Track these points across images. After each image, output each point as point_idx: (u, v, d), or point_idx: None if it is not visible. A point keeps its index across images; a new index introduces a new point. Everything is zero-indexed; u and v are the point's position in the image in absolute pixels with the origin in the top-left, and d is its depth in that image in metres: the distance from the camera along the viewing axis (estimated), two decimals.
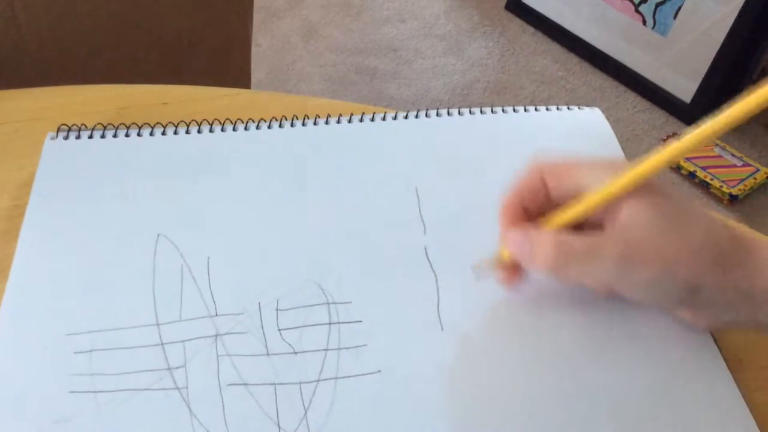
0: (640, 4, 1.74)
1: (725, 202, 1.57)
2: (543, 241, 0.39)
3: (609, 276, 0.37)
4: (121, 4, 0.79)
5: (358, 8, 2.03)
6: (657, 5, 1.71)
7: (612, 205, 0.38)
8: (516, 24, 2.02)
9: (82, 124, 0.51)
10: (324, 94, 1.75)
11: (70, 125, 0.51)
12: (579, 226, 0.40)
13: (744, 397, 0.40)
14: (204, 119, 0.52)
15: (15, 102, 0.55)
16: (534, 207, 0.42)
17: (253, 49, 1.00)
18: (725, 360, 0.42)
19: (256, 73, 1.78)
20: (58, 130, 0.51)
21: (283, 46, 1.89)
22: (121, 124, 0.52)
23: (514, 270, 0.42)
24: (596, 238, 0.38)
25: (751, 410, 0.40)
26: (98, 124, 0.52)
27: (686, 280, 0.36)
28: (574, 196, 0.39)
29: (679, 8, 1.67)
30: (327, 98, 0.58)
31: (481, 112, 0.54)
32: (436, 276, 0.44)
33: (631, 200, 0.37)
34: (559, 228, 0.40)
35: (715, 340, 0.42)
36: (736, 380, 0.41)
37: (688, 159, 1.63)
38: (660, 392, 0.40)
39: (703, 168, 1.61)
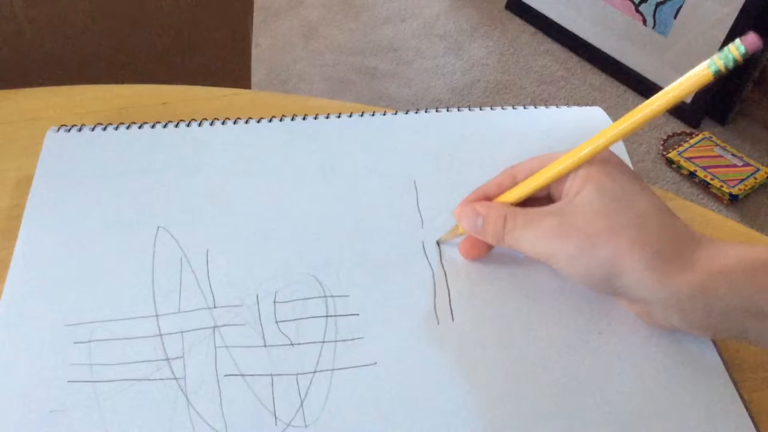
0: (640, 3, 1.75)
1: (725, 201, 1.58)
2: (491, 214, 0.41)
3: (541, 247, 0.39)
4: (121, 4, 0.79)
5: (358, 8, 2.03)
6: (657, 5, 1.71)
7: (568, 181, 0.40)
8: (516, 24, 2.02)
9: (82, 124, 0.52)
10: (324, 94, 1.76)
11: (70, 125, 0.51)
12: (543, 201, 0.42)
13: (743, 397, 0.40)
14: (204, 118, 0.53)
15: (15, 102, 0.56)
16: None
17: (253, 49, 1.00)
18: (725, 360, 0.42)
19: (256, 73, 1.78)
20: (59, 128, 0.51)
21: (283, 46, 1.90)
22: (121, 123, 0.52)
23: (472, 242, 0.44)
24: (537, 212, 0.40)
25: (751, 410, 0.40)
26: (98, 123, 0.52)
27: (605, 256, 0.37)
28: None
29: (680, 8, 1.67)
30: (327, 98, 0.58)
31: (481, 110, 0.55)
32: (433, 270, 0.44)
33: (578, 179, 0.39)
34: (514, 202, 0.42)
35: (715, 342, 0.42)
36: (736, 380, 0.41)
37: (688, 159, 1.63)
38: (657, 392, 0.40)
39: (704, 168, 1.62)
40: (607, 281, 0.38)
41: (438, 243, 0.46)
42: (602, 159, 0.40)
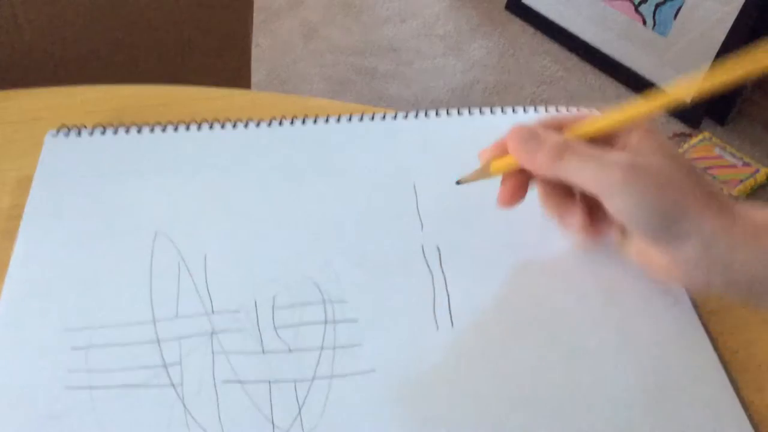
0: (640, 4, 1.74)
1: None
2: (551, 138, 0.40)
3: (608, 178, 0.38)
4: (121, 4, 0.79)
5: (358, 8, 2.03)
6: (657, 5, 1.71)
7: (624, 135, 0.40)
8: (516, 24, 2.02)
9: (81, 125, 0.52)
10: (324, 94, 1.76)
11: (69, 125, 0.51)
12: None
13: (744, 397, 0.40)
14: (204, 119, 0.53)
15: (15, 102, 0.56)
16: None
17: (253, 49, 1.00)
18: (724, 361, 0.42)
19: (256, 73, 1.78)
20: (59, 129, 0.51)
21: (283, 46, 1.90)
22: (120, 124, 0.52)
23: (514, 184, 0.43)
24: (602, 149, 0.39)
25: (751, 411, 0.40)
26: (98, 124, 0.52)
27: (675, 201, 0.37)
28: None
29: (679, 8, 1.67)
30: (327, 98, 0.58)
31: (481, 112, 0.55)
32: (432, 275, 0.44)
33: (636, 135, 0.39)
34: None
35: (714, 341, 0.42)
36: (736, 381, 0.41)
37: None
38: (656, 395, 0.40)
39: (704, 168, 1.62)
40: (668, 224, 0.38)
41: (458, 183, 0.45)
42: (657, 129, 0.40)
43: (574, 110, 0.42)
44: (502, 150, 0.43)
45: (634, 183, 0.37)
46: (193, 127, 0.52)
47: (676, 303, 0.44)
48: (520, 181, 0.43)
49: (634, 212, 0.38)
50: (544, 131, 0.40)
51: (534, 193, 0.48)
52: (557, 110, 0.55)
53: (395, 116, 0.54)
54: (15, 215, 0.46)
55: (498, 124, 0.54)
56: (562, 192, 0.42)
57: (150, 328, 0.41)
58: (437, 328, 0.42)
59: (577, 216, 0.42)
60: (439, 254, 0.45)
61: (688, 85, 0.37)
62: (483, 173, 0.44)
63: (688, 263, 0.39)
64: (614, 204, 0.38)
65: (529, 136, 0.40)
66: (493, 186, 0.50)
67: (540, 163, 0.40)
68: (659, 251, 0.40)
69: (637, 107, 0.39)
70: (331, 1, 2.04)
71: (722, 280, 0.38)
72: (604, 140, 0.41)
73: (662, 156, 0.38)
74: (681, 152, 0.40)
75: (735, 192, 1.55)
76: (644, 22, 1.75)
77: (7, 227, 0.46)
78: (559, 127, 0.42)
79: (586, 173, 0.38)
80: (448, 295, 0.43)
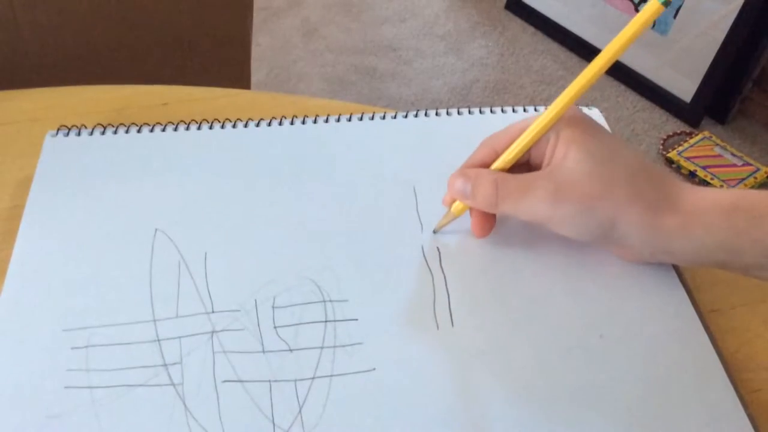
0: (639, 3, 1.74)
1: None
2: (482, 180, 0.43)
3: (540, 211, 0.41)
4: (121, 4, 0.79)
5: (358, 8, 2.03)
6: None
7: (549, 146, 0.42)
8: (516, 23, 2.02)
9: (81, 125, 0.52)
10: (324, 94, 1.76)
11: (69, 126, 0.51)
12: (522, 167, 0.45)
13: (744, 397, 0.40)
14: (204, 119, 0.53)
15: (15, 102, 0.56)
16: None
17: (253, 49, 1.00)
18: (724, 361, 0.42)
19: (256, 73, 1.78)
20: (58, 129, 0.51)
21: (283, 46, 1.90)
22: (120, 124, 0.52)
23: (479, 216, 0.45)
24: (530, 178, 0.42)
25: (752, 411, 0.40)
26: (98, 124, 0.52)
27: (605, 215, 0.40)
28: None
29: (679, 8, 1.67)
30: (327, 98, 0.58)
31: (480, 112, 0.55)
32: (432, 275, 0.44)
33: (561, 143, 0.42)
34: (501, 169, 0.44)
35: (714, 341, 0.42)
36: (736, 380, 0.41)
37: (688, 159, 1.63)
38: (657, 395, 0.40)
39: (704, 167, 1.61)
40: (605, 235, 0.41)
41: (435, 232, 0.47)
42: (579, 120, 0.42)
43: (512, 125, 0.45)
44: None
45: (559, 209, 0.41)
46: (193, 126, 0.52)
47: (676, 303, 0.44)
48: (483, 214, 0.45)
49: (570, 231, 0.42)
50: (475, 171, 0.44)
51: None
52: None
53: (395, 116, 0.54)
54: (15, 215, 0.46)
55: (498, 124, 0.54)
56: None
57: (150, 327, 0.41)
58: (437, 327, 0.42)
59: None
60: (439, 254, 0.45)
61: (580, 81, 0.41)
62: (450, 216, 0.46)
63: (636, 254, 0.44)
64: (553, 229, 0.42)
65: (464, 183, 0.44)
66: None
67: (483, 207, 0.44)
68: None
69: (543, 118, 0.42)
70: (331, 0, 2.04)
71: (671, 260, 0.44)
72: (534, 157, 0.44)
73: (579, 162, 0.41)
74: (609, 144, 0.42)
75: None
76: None
77: (7, 227, 0.46)
78: (492, 149, 0.45)
79: (522, 211, 0.42)
80: (449, 295, 0.43)
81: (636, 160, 0.42)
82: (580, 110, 0.44)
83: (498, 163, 0.44)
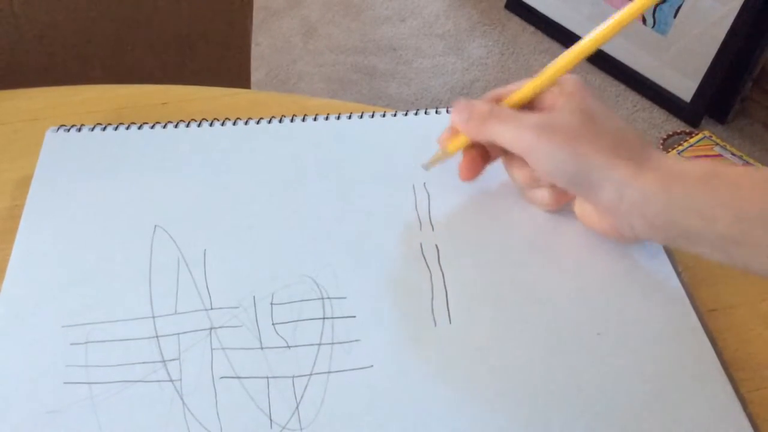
0: None
1: None
2: (478, 106, 0.44)
3: (524, 139, 0.42)
4: (121, 3, 0.79)
5: (358, 8, 2.03)
6: (656, 4, 1.71)
7: (546, 96, 0.44)
8: (516, 23, 2.02)
9: (81, 124, 0.52)
10: (324, 94, 1.76)
11: (69, 125, 0.52)
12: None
13: (744, 396, 0.40)
14: (203, 118, 0.53)
15: (15, 102, 0.56)
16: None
17: (253, 49, 1.00)
18: (724, 360, 0.42)
19: (256, 73, 1.78)
20: (59, 127, 0.51)
21: (283, 46, 1.90)
22: (120, 123, 0.52)
23: (470, 157, 0.47)
24: (522, 111, 0.44)
25: (751, 410, 0.40)
26: (98, 123, 0.52)
27: (585, 155, 0.41)
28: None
29: (679, 7, 1.67)
30: (326, 98, 0.58)
31: None
32: (430, 272, 0.45)
33: (560, 95, 0.43)
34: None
35: (714, 340, 0.42)
36: (736, 380, 0.41)
37: (688, 158, 1.63)
38: (655, 393, 0.40)
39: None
40: (581, 177, 0.41)
41: (424, 167, 0.49)
42: (576, 81, 0.44)
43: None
44: (455, 131, 0.47)
45: (544, 141, 0.41)
46: (193, 124, 0.52)
47: (676, 302, 0.44)
48: (475, 155, 0.47)
49: (548, 167, 0.42)
50: (479, 102, 0.45)
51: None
52: None
53: (395, 115, 0.54)
54: (15, 215, 0.46)
55: None
56: (521, 163, 0.46)
57: (149, 323, 0.41)
58: (435, 324, 0.42)
59: (539, 190, 0.47)
60: (438, 251, 0.46)
61: (585, 42, 0.43)
62: (443, 154, 0.48)
63: (608, 211, 0.43)
64: (531, 161, 0.43)
65: (464, 107, 0.45)
66: (492, 185, 0.50)
67: (470, 129, 0.45)
68: (584, 201, 0.45)
69: (555, 68, 0.44)
70: (330, 0, 2.04)
71: (643, 225, 0.41)
72: (536, 105, 0.45)
73: (574, 112, 0.42)
74: (603, 106, 0.44)
75: None
76: (644, 21, 1.75)
77: (6, 227, 0.46)
78: (499, 98, 0.46)
79: (507, 135, 0.43)
80: (447, 292, 0.44)
81: (624, 124, 0.43)
82: (582, 80, 0.45)
83: (504, 102, 0.46)
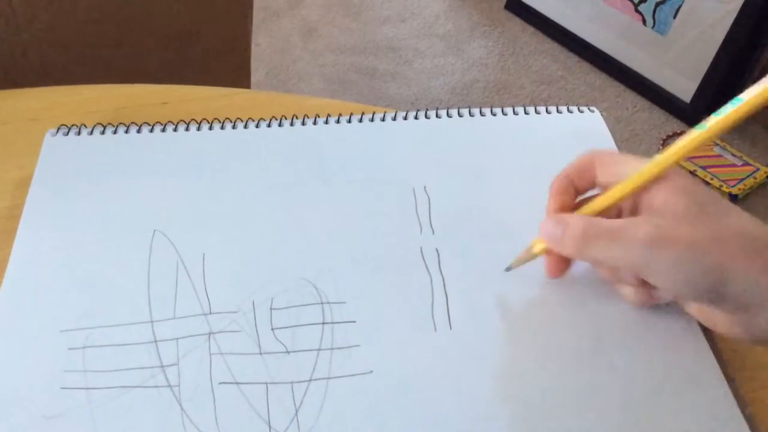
0: (639, 3, 1.74)
1: None
2: (573, 223, 0.39)
3: (634, 257, 0.37)
4: (121, 3, 0.79)
5: (358, 8, 2.03)
6: (657, 5, 1.71)
7: (648, 194, 0.38)
8: (516, 23, 2.02)
9: (81, 124, 0.52)
10: (324, 94, 1.76)
11: (69, 125, 0.51)
12: (617, 216, 0.41)
13: (744, 396, 0.40)
14: (204, 119, 0.53)
15: (15, 102, 0.56)
16: (582, 186, 0.43)
17: (253, 49, 1.00)
18: (724, 361, 0.42)
19: (256, 73, 1.78)
20: (58, 129, 0.51)
21: (283, 46, 1.90)
22: (120, 123, 0.52)
23: (556, 259, 0.43)
24: (626, 220, 0.38)
25: (751, 410, 0.40)
26: (98, 123, 0.52)
27: (712, 264, 0.35)
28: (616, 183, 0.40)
29: (679, 8, 1.67)
30: (327, 98, 0.58)
31: (481, 113, 0.55)
32: (431, 277, 0.44)
33: (665, 189, 0.38)
34: (595, 213, 0.41)
35: (712, 340, 0.42)
36: (735, 379, 0.41)
37: (688, 159, 1.63)
38: (652, 392, 0.40)
39: (703, 167, 1.61)
40: (713, 289, 0.36)
41: (508, 269, 0.44)
42: (681, 174, 0.38)
43: (588, 160, 0.42)
44: (557, 191, 0.43)
45: (664, 255, 0.36)
46: (193, 126, 0.52)
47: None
48: (560, 257, 0.43)
49: (673, 283, 0.37)
50: (573, 219, 0.40)
51: (529, 195, 0.48)
52: (558, 111, 0.55)
53: (395, 116, 0.54)
54: (14, 215, 0.46)
55: (498, 125, 0.54)
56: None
57: (147, 328, 0.41)
58: (435, 329, 0.42)
59: (627, 287, 0.43)
60: (438, 256, 0.45)
61: (695, 138, 0.37)
62: (529, 255, 0.43)
63: (746, 319, 0.37)
64: (650, 278, 0.38)
65: (554, 224, 0.40)
66: (491, 185, 0.50)
67: (569, 251, 0.40)
68: (717, 311, 0.39)
69: (650, 169, 0.38)
70: (330, 1, 2.04)
71: None
72: (633, 205, 0.40)
73: (687, 213, 0.37)
74: (718, 201, 0.38)
75: (735, 191, 1.55)
76: (644, 22, 1.75)
77: (6, 227, 0.46)
78: (586, 177, 0.42)
79: (614, 256, 0.38)
80: (447, 297, 0.43)
81: (745, 216, 0.37)
82: (687, 173, 0.40)
83: (591, 206, 0.41)
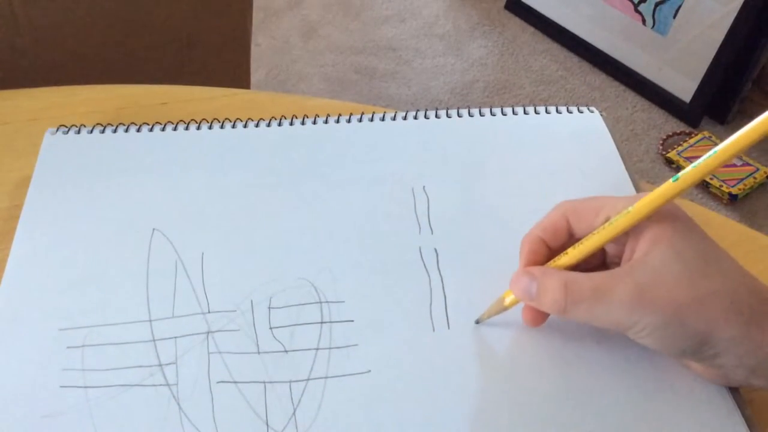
0: (639, 3, 1.74)
1: (725, 201, 1.58)
2: (549, 283, 0.38)
3: (618, 318, 0.36)
4: (121, 4, 0.79)
5: (358, 8, 2.03)
6: (656, 5, 1.71)
7: (633, 237, 0.37)
8: (515, 23, 2.02)
9: (81, 124, 0.52)
10: (324, 94, 1.76)
11: (69, 125, 0.52)
12: (597, 263, 0.40)
13: (743, 396, 0.40)
14: (203, 119, 0.53)
15: (14, 102, 0.56)
16: (556, 245, 0.41)
17: (253, 49, 1.00)
18: None
19: (256, 73, 1.78)
20: (58, 128, 0.51)
21: (282, 46, 1.90)
22: (120, 123, 0.52)
23: (533, 310, 0.41)
24: (605, 277, 0.37)
25: (751, 410, 0.39)
26: (98, 124, 0.52)
27: (696, 329, 0.35)
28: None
29: (679, 8, 1.67)
30: (327, 98, 0.58)
31: (480, 113, 0.55)
32: (429, 277, 0.44)
33: (645, 239, 0.36)
34: (569, 266, 0.39)
35: None
36: None
37: (688, 159, 1.63)
38: (650, 392, 0.40)
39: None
40: (694, 351, 0.36)
41: (477, 322, 0.42)
42: (669, 215, 0.37)
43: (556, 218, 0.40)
44: (528, 251, 0.41)
45: (646, 320, 0.35)
46: (193, 126, 0.52)
47: None
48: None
49: (656, 344, 0.37)
50: (542, 270, 0.39)
51: (529, 195, 0.48)
52: (558, 111, 0.55)
53: (394, 116, 0.54)
54: (14, 215, 0.46)
55: (497, 125, 0.54)
56: None
57: (146, 327, 0.41)
58: (433, 329, 0.42)
59: None
60: (437, 256, 0.45)
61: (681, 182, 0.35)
62: (500, 307, 0.42)
63: (727, 374, 0.38)
64: (634, 338, 0.37)
65: (528, 282, 0.39)
66: (490, 185, 0.50)
67: (549, 311, 0.39)
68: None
69: (634, 214, 0.36)
70: (330, 0, 2.04)
71: (764, 383, 0.37)
72: (612, 248, 0.39)
73: (673, 273, 0.35)
74: (703, 248, 0.36)
75: (734, 191, 1.56)
76: (644, 22, 1.75)
77: (5, 227, 0.46)
78: (561, 231, 0.40)
79: (597, 318, 0.37)
80: (445, 297, 0.43)
81: (732, 268, 0.36)
82: (676, 205, 0.38)
83: (565, 258, 0.39)
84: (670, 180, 0.35)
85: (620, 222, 0.37)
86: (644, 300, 0.35)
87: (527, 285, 0.38)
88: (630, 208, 0.36)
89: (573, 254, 0.39)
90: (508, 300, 0.41)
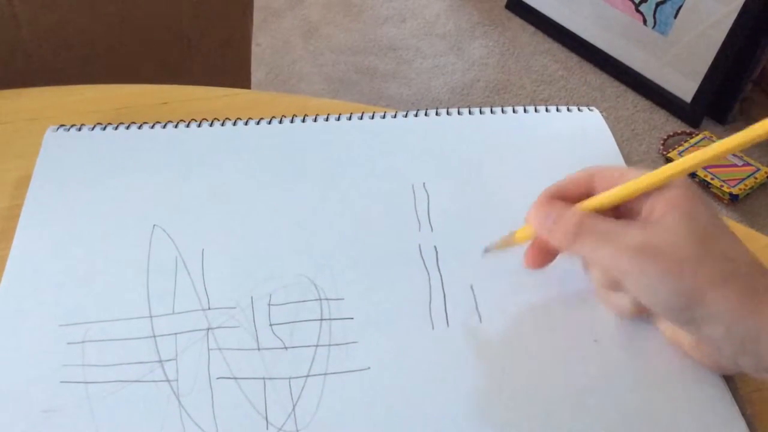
0: (640, 3, 1.74)
1: (725, 201, 1.57)
2: (567, 215, 0.39)
3: (620, 262, 0.37)
4: (121, 4, 0.79)
5: (358, 8, 2.03)
6: (657, 5, 1.71)
7: (649, 200, 0.38)
8: (516, 23, 2.02)
9: (81, 124, 0.52)
10: (324, 94, 1.76)
11: (69, 125, 0.52)
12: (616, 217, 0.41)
13: (744, 396, 0.40)
14: (203, 118, 0.53)
15: (14, 102, 0.56)
16: (576, 199, 0.41)
17: (253, 49, 1.00)
18: None
19: (256, 73, 1.78)
20: (59, 126, 0.51)
21: (283, 46, 1.90)
22: (120, 123, 0.52)
23: (538, 250, 0.42)
24: (619, 223, 0.38)
25: (751, 410, 0.39)
26: (98, 123, 0.52)
27: (693, 285, 0.35)
28: None
29: (680, 8, 1.67)
30: (327, 98, 0.58)
31: (480, 112, 0.55)
32: (429, 274, 0.45)
33: (667, 200, 0.37)
34: (590, 211, 0.40)
35: None
36: (735, 379, 0.41)
37: None
38: (650, 392, 0.40)
39: (704, 167, 1.61)
40: (687, 309, 0.36)
41: (485, 251, 0.44)
42: (685, 186, 0.38)
43: (593, 170, 0.41)
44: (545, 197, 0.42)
45: (646, 268, 0.36)
46: (193, 124, 0.52)
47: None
48: (545, 247, 0.42)
49: (649, 296, 0.37)
50: (563, 206, 0.40)
51: (528, 194, 0.48)
52: (558, 110, 0.55)
53: (395, 116, 0.54)
54: (14, 215, 0.46)
55: (498, 124, 0.54)
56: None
57: (146, 323, 0.41)
58: (433, 327, 0.42)
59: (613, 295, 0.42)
60: (437, 254, 0.46)
61: (703, 153, 0.37)
62: (509, 242, 0.43)
63: (711, 345, 0.38)
64: (630, 286, 0.38)
65: (547, 213, 0.40)
66: (490, 184, 0.50)
67: (558, 242, 0.39)
68: (684, 331, 0.39)
69: (659, 173, 0.38)
70: (331, 0, 2.04)
71: (751, 363, 0.37)
72: (633, 208, 0.40)
73: (680, 230, 0.36)
74: (713, 219, 0.37)
75: (735, 191, 1.55)
76: (644, 22, 1.75)
77: (6, 227, 0.47)
78: (582, 188, 0.41)
79: (601, 255, 0.38)
80: (444, 295, 0.44)
81: (739, 244, 0.37)
82: (692, 182, 0.39)
83: (589, 203, 0.40)
84: (696, 151, 0.37)
85: (647, 177, 0.38)
86: (648, 249, 0.36)
87: (546, 214, 0.40)
88: (663, 167, 0.38)
89: (597, 199, 0.40)
90: (520, 235, 0.42)
